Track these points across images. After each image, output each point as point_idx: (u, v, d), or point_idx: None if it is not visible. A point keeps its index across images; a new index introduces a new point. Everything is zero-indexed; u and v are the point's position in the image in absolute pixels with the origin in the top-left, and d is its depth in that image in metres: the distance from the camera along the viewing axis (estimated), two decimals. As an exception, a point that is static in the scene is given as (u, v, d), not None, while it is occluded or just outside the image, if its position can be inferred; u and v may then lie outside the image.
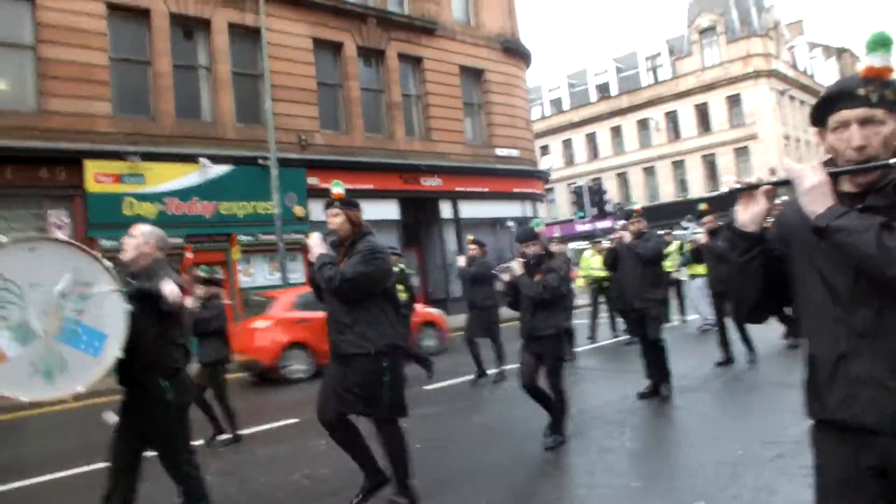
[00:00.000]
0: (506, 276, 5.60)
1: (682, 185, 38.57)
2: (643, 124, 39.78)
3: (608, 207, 22.14)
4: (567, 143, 43.87)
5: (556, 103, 45.14)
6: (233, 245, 15.49)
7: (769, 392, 6.80)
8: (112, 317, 3.42)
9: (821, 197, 1.67)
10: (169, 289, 3.47)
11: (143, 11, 15.14)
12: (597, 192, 21.38)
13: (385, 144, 18.81)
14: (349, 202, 4.17)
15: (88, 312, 3.40)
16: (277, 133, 16.47)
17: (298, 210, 16.37)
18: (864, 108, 1.66)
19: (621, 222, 7.52)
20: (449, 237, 20.09)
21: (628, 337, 10.26)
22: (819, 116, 1.79)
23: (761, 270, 1.83)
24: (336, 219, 4.10)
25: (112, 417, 3.53)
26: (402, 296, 8.51)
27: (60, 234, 3.59)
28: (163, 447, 3.66)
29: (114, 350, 3.40)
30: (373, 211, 18.19)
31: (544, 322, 5.34)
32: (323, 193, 15.81)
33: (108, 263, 3.50)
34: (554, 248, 8.62)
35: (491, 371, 8.83)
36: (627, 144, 40.49)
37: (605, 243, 10.04)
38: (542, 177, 24.03)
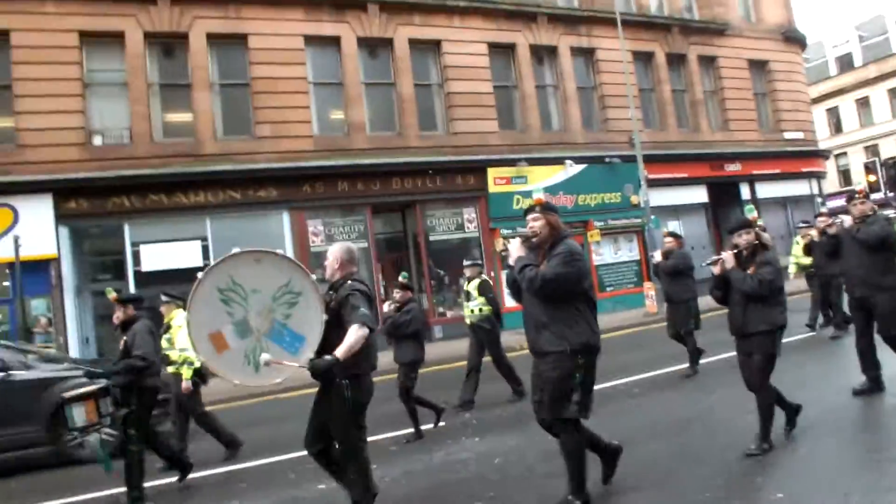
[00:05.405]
0: (716, 270, 5.15)
1: (945, 153, 36.87)
2: (895, 92, 38.43)
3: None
4: (803, 119, 43.27)
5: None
6: (588, 230, 18.81)
7: None
8: (311, 323, 3.94)
9: None
10: (352, 345, 3.79)
11: (510, 46, 18.95)
12: (891, 165, 22.20)
13: (693, 137, 21.32)
14: (549, 207, 4.28)
15: (294, 317, 3.95)
16: (611, 135, 19.69)
17: (634, 198, 19.36)
18: None
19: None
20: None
21: (833, 330, 9.93)
22: None
23: None
24: (536, 223, 4.19)
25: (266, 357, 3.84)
26: (486, 309, 8.33)
27: (279, 251, 4.19)
28: (340, 438, 4.14)
29: (309, 352, 3.91)
30: (685, 196, 21.04)
31: (758, 318, 4.93)
32: (651, 183, 18.62)
33: (314, 277, 4.07)
34: (766, 236, 8.41)
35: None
36: (877, 115, 39.28)
37: (813, 231, 9.81)
38: (823, 155, 25.22)
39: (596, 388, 7.83)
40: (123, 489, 5.57)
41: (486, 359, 8.41)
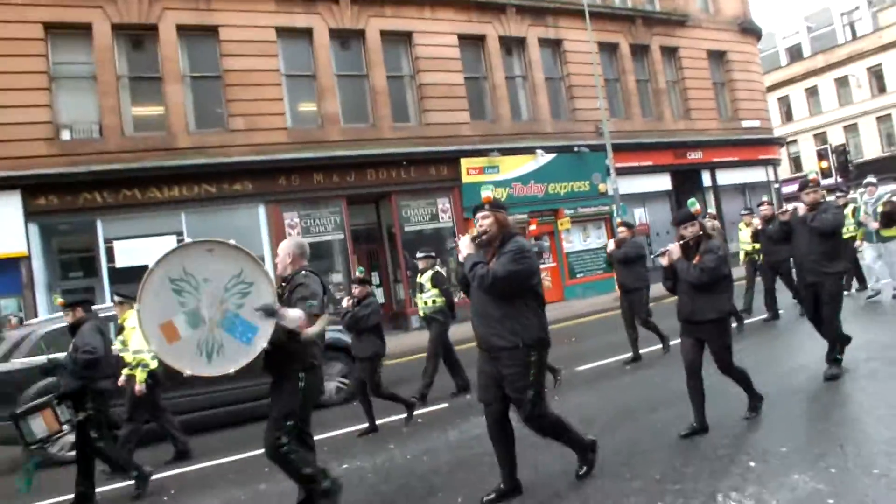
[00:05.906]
0: (664, 261, 5.32)
1: (889, 139, 38.52)
2: (842, 82, 39.94)
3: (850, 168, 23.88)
4: (756, 108, 44.68)
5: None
6: (559, 218, 19.24)
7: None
8: None
9: None
10: (292, 317, 3.94)
11: (480, 37, 19.18)
12: (841, 152, 23.25)
13: (657, 126, 21.92)
14: (498, 205, 4.34)
15: (246, 307, 3.91)
16: (578, 125, 20.13)
17: (602, 187, 19.82)
18: None
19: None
20: (709, 203, 22.88)
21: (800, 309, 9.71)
22: None
23: None
24: (486, 220, 4.24)
25: None
26: (439, 300, 8.35)
27: (232, 241, 4.03)
28: (275, 416, 4.13)
29: (262, 342, 3.91)
30: (651, 184, 21.59)
31: (706, 306, 5.08)
32: (618, 171, 19.11)
33: (267, 268, 4.09)
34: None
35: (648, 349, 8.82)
36: (825, 104, 40.80)
37: (756, 219, 9.82)
38: (779, 143, 26.19)
39: (591, 365, 8.42)
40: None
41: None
